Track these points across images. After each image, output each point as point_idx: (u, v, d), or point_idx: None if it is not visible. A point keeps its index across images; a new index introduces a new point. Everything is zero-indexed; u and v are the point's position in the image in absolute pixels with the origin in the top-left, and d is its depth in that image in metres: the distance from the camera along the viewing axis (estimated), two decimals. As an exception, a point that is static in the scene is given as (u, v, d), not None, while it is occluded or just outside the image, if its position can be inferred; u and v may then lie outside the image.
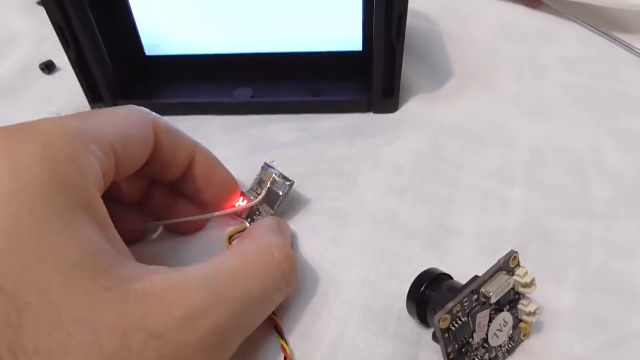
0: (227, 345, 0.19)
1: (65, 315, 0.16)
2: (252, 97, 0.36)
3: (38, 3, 0.48)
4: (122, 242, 0.19)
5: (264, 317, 0.21)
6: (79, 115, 0.20)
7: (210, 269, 0.20)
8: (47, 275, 0.16)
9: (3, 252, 0.16)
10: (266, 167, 0.28)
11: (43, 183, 0.17)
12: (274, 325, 0.23)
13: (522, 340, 0.23)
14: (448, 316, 0.20)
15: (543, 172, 0.31)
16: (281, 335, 0.22)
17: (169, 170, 0.25)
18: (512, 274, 0.21)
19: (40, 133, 0.18)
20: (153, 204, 0.27)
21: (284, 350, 0.22)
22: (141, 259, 0.19)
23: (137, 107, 0.23)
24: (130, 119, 0.22)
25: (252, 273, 0.20)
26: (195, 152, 0.25)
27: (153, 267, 0.19)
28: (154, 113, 0.24)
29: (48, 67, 0.40)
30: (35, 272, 0.16)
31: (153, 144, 0.23)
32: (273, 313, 0.23)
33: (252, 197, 0.28)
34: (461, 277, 0.23)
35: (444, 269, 0.23)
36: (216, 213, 0.27)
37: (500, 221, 0.28)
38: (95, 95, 0.35)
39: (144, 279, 0.17)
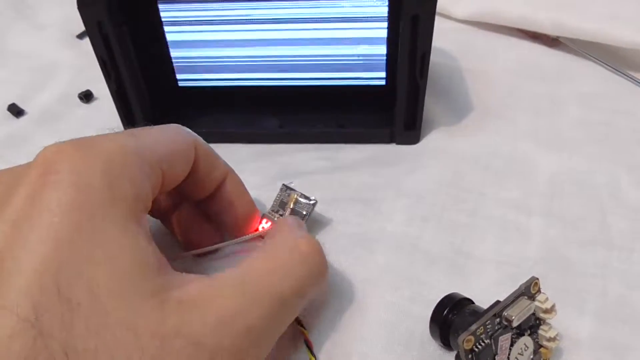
0: (260, 347, 0.20)
1: (111, 318, 0.17)
2: (280, 127, 0.37)
3: (77, 37, 0.51)
4: (161, 254, 0.20)
5: (296, 314, 0.22)
6: (133, 133, 0.22)
7: (241, 272, 0.21)
8: (99, 279, 0.17)
9: (63, 257, 0.17)
10: (285, 188, 0.29)
11: (102, 196, 0.18)
12: (304, 340, 0.24)
13: (542, 366, 0.23)
14: (472, 337, 0.20)
15: (562, 204, 0.31)
16: (310, 349, 0.23)
17: (200, 189, 0.26)
18: (533, 300, 0.22)
19: (102, 151, 0.19)
20: (176, 220, 0.28)
21: (312, 365, 0.23)
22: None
23: (181, 126, 0.25)
24: (176, 138, 0.23)
25: (282, 270, 0.21)
26: (227, 175, 0.26)
27: (190, 276, 0.20)
28: (194, 133, 0.25)
29: (86, 97, 0.43)
30: (89, 276, 0.17)
31: (192, 162, 0.24)
32: (303, 327, 0.24)
33: (274, 219, 0.29)
34: (482, 302, 0.23)
35: (465, 294, 0.24)
36: (243, 238, 0.28)
37: (520, 250, 0.29)
38: (131, 122, 0.37)
39: (181, 287, 0.19)
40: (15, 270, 0.17)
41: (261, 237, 0.28)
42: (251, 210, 0.28)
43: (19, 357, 0.15)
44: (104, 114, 0.41)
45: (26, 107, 0.42)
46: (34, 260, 0.17)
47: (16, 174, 0.20)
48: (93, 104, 0.43)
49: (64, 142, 0.20)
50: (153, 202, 0.26)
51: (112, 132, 0.22)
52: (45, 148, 0.19)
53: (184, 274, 0.20)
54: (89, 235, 0.18)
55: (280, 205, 0.29)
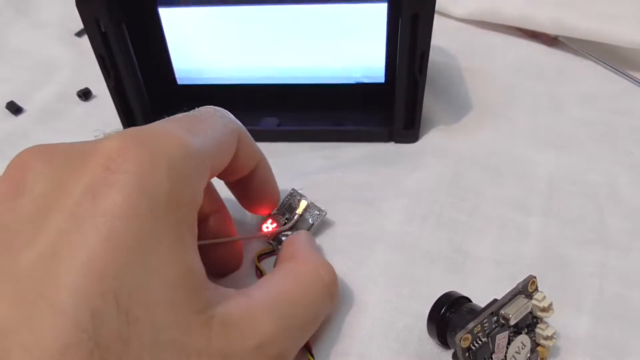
0: None
1: (165, 335, 0.16)
2: (279, 125, 0.37)
3: (76, 34, 0.51)
4: (202, 263, 0.19)
5: (311, 335, 0.23)
6: (189, 127, 0.21)
7: (274, 296, 0.21)
8: (155, 292, 0.16)
9: (121, 266, 0.16)
10: (295, 193, 0.29)
11: (164, 203, 0.18)
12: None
13: (540, 365, 0.23)
14: (469, 336, 0.20)
15: (560, 203, 0.31)
16: (309, 350, 0.23)
17: (233, 174, 0.25)
18: (531, 298, 0.22)
19: (167, 153, 0.18)
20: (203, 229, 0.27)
21: (311, 365, 0.23)
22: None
23: (226, 113, 0.24)
24: (224, 130, 0.23)
25: (308, 298, 0.22)
26: (259, 162, 0.26)
27: (227, 291, 0.20)
28: (237, 121, 0.24)
29: (85, 95, 0.43)
30: (146, 288, 0.16)
31: (234, 151, 0.24)
32: None
33: (281, 222, 0.29)
34: (480, 301, 0.23)
35: (463, 292, 0.24)
36: (247, 236, 0.28)
37: (518, 249, 0.29)
38: (130, 121, 0.37)
39: (223, 305, 0.19)
40: (72, 269, 0.16)
41: (266, 236, 0.29)
42: (275, 196, 0.28)
43: None
44: (103, 112, 0.41)
45: (25, 105, 0.42)
46: (93, 263, 0.16)
47: (72, 156, 0.18)
48: (92, 102, 0.43)
49: (125, 134, 0.19)
50: None
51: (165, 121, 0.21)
52: (114, 136, 0.18)
53: (221, 287, 0.20)
54: (147, 243, 0.17)
55: (288, 209, 0.29)
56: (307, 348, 0.23)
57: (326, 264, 0.24)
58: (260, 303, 0.20)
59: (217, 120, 0.23)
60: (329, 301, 0.23)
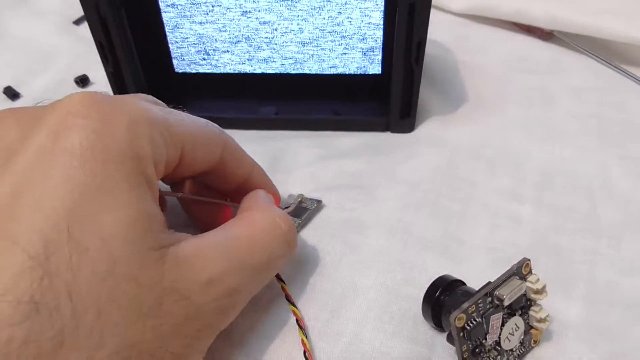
0: (237, 306, 0.22)
1: (117, 266, 0.17)
2: (276, 114, 0.38)
3: (74, 22, 0.51)
4: (162, 213, 0.21)
5: (269, 279, 0.24)
6: (163, 109, 0.22)
7: (228, 238, 0.22)
8: (109, 226, 0.17)
9: (76, 201, 0.17)
10: (291, 196, 0.30)
11: (121, 149, 0.19)
12: (295, 319, 0.24)
13: (532, 347, 0.24)
14: (464, 315, 0.21)
15: (552, 193, 0.32)
16: (302, 330, 0.24)
17: (225, 184, 0.27)
18: (525, 280, 0.23)
19: (132, 110, 0.20)
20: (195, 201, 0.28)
21: (304, 345, 0.23)
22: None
23: (213, 123, 0.25)
24: (205, 129, 0.24)
25: (263, 242, 0.23)
26: (252, 171, 0.27)
27: (182, 234, 0.21)
28: (225, 132, 0.26)
29: (82, 81, 0.43)
30: (100, 222, 0.17)
31: (218, 160, 0.25)
32: (296, 307, 0.24)
33: None
34: (474, 285, 0.24)
35: (457, 277, 0.25)
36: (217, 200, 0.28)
37: (511, 237, 0.29)
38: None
39: (177, 244, 0.20)
40: (31, 205, 0.17)
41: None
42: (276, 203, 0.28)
43: (25, 294, 0.15)
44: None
45: (22, 91, 0.42)
46: (50, 199, 0.17)
47: (40, 111, 0.20)
48: (89, 88, 0.43)
49: (96, 92, 0.20)
50: (177, 185, 0.27)
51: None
52: (77, 93, 0.20)
53: (176, 232, 0.21)
54: (102, 183, 0.18)
55: (286, 207, 0.30)
56: (300, 327, 0.24)
57: (283, 214, 0.24)
58: (212, 243, 0.21)
59: (199, 120, 0.24)
60: (286, 247, 0.24)
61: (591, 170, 0.34)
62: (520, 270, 0.22)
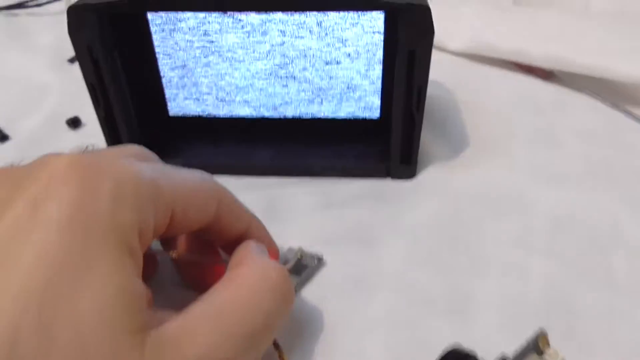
0: None
1: (90, 354, 0.16)
2: (272, 159, 0.36)
3: (69, 61, 0.50)
4: (146, 288, 0.19)
5: (270, 343, 0.22)
6: (155, 167, 0.21)
7: (215, 306, 0.20)
8: (84, 309, 0.16)
9: (49, 281, 0.16)
10: (290, 249, 0.29)
11: (103, 219, 0.17)
12: None
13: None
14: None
15: (564, 243, 0.31)
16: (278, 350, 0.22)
17: (222, 238, 0.25)
18: (542, 355, 0.21)
19: (116, 172, 0.19)
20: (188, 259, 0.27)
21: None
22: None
23: (208, 176, 0.24)
24: (199, 187, 0.23)
25: (254, 303, 0.21)
26: (250, 225, 0.25)
27: (165, 313, 0.19)
28: (220, 185, 0.24)
29: (74, 123, 0.42)
30: (74, 304, 0.16)
31: (213, 216, 0.23)
32: (281, 351, 0.23)
33: None
34: (485, 350, 0.22)
35: (467, 340, 0.23)
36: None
37: (522, 292, 0.28)
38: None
39: (160, 326, 0.18)
40: (2, 283, 0.16)
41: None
42: (274, 256, 0.27)
43: None
44: (91, 142, 0.39)
45: (12, 132, 0.41)
46: (22, 278, 0.16)
47: (21, 174, 0.19)
48: (80, 131, 0.42)
49: (80, 154, 0.19)
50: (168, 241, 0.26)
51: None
52: (57, 156, 0.19)
53: (161, 311, 0.19)
54: (81, 259, 0.17)
55: (285, 263, 0.28)
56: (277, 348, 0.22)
57: (276, 265, 0.22)
58: (199, 317, 0.19)
59: (193, 175, 0.23)
60: (282, 301, 0.22)
61: (603, 217, 0.32)
62: (537, 345, 0.21)
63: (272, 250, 0.26)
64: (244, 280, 0.21)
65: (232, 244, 0.25)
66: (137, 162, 0.21)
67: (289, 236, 0.30)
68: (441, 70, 0.45)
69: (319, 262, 0.28)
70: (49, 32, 0.55)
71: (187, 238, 0.26)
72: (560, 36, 0.45)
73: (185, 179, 0.22)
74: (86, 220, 0.17)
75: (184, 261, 0.26)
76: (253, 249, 0.24)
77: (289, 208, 0.33)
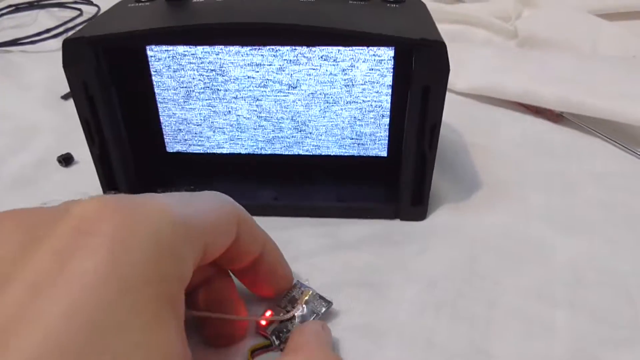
0: None
1: None
2: (275, 199, 0.34)
3: (62, 97, 0.49)
4: (187, 345, 0.17)
5: None
6: (181, 200, 0.19)
7: None
8: None
9: (85, 345, 0.14)
10: (299, 285, 0.26)
11: (141, 273, 0.16)
12: None
13: None
14: None
15: (587, 295, 0.28)
16: None
17: (238, 261, 0.23)
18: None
19: (150, 217, 0.17)
20: (204, 294, 0.24)
21: None
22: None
23: (226, 197, 0.22)
24: (222, 210, 0.21)
25: None
26: (265, 246, 0.24)
27: None
28: (238, 205, 0.22)
29: (66, 160, 0.40)
30: None
31: (234, 238, 0.22)
32: None
33: (280, 315, 0.25)
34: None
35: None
36: (241, 317, 0.25)
37: (545, 348, 0.25)
38: (113, 190, 0.34)
39: None
40: (23, 346, 0.13)
41: (259, 323, 0.25)
42: (287, 278, 0.26)
43: None
44: (84, 180, 0.37)
45: (0, 170, 0.39)
46: (48, 340, 0.13)
47: (44, 218, 0.17)
48: (73, 168, 0.40)
49: (106, 197, 0.17)
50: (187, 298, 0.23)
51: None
52: (86, 201, 0.17)
53: None
54: (116, 319, 0.14)
55: (290, 301, 0.26)
56: None
57: (336, 356, 0.21)
58: None
59: (214, 200, 0.21)
60: None
61: (625, 266, 0.30)
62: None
63: (284, 278, 0.25)
64: None
65: (247, 267, 0.24)
66: (169, 199, 0.18)
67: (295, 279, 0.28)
68: (447, 110, 0.44)
69: (328, 307, 0.26)
70: (43, 69, 0.54)
71: (205, 292, 0.24)
72: (570, 78, 0.44)
73: (210, 208, 0.20)
74: (123, 273, 0.15)
75: (206, 318, 0.24)
76: (315, 334, 0.22)
77: (294, 250, 0.31)
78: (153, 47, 0.31)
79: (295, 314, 0.25)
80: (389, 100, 0.32)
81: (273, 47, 0.30)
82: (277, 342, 0.24)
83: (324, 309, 0.25)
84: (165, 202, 0.18)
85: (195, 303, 0.24)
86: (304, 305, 0.25)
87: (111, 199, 0.17)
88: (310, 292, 0.26)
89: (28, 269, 0.15)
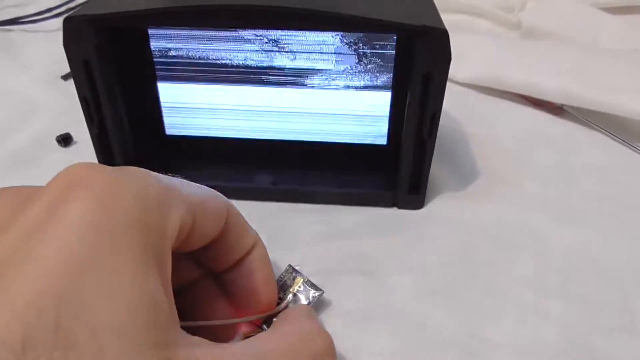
0: None
1: None
2: (273, 183, 0.35)
3: (62, 77, 0.48)
4: (174, 304, 0.17)
5: None
6: (169, 178, 0.20)
7: (256, 350, 0.18)
8: (104, 317, 0.14)
9: (70, 283, 0.14)
10: (291, 270, 0.26)
11: (128, 220, 0.16)
12: None
13: None
14: None
15: (580, 284, 0.29)
16: None
17: (226, 257, 0.23)
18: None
19: (139, 178, 0.18)
20: (192, 296, 0.24)
21: None
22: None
23: (213, 189, 0.22)
24: (211, 192, 0.22)
25: (297, 358, 0.19)
26: (255, 245, 0.23)
27: (196, 338, 0.17)
28: (226, 198, 0.23)
29: (65, 140, 0.40)
30: (93, 311, 0.14)
31: (223, 228, 0.22)
32: None
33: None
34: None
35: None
36: (238, 320, 0.24)
37: (539, 335, 0.26)
38: (112, 172, 0.34)
39: (188, 349, 0.16)
40: (14, 286, 0.14)
41: (256, 323, 0.25)
42: (271, 291, 0.25)
43: None
44: (82, 160, 0.37)
45: (-1, 148, 0.39)
46: (39, 280, 0.14)
47: (39, 187, 0.18)
48: (71, 149, 0.40)
49: (99, 164, 0.18)
50: (179, 272, 0.23)
51: None
52: (79, 163, 0.17)
53: (194, 336, 0.17)
54: (103, 262, 0.15)
55: (282, 287, 0.26)
56: None
57: (323, 332, 0.21)
58: (238, 354, 0.18)
59: (202, 186, 0.22)
60: None
61: (618, 258, 0.30)
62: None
63: (270, 282, 0.24)
64: (288, 337, 0.20)
65: (234, 266, 0.23)
66: (157, 174, 0.19)
67: (290, 266, 0.28)
68: (447, 100, 0.44)
69: (319, 296, 0.26)
70: (43, 49, 0.53)
71: (192, 293, 0.24)
72: (572, 71, 0.44)
73: (199, 187, 0.21)
74: (110, 219, 0.16)
75: (201, 328, 0.24)
76: (302, 312, 0.23)
77: (290, 236, 0.31)
78: (154, 27, 0.31)
79: (287, 303, 0.25)
80: (390, 88, 0.32)
81: (274, 30, 0.30)
82: (266, 329, 0.24)
83: (315, 296, 0.25)
84: (152, 172, 0.19)
85: (184, 309, 0.24)
86: (295, 294, 0.25)
87: (101, 164, 0.18)
88: (302, 279, 0.26)
89: (22, 219, 0.16)
